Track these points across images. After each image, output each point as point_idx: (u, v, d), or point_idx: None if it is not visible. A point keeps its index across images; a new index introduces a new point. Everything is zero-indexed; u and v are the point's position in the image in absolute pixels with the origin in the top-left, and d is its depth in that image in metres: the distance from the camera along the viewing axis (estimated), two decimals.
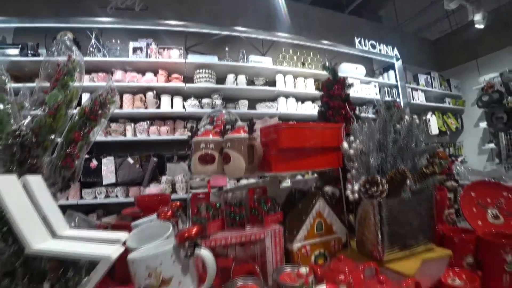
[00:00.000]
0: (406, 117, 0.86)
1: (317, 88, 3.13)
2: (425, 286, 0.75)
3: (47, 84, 0.89)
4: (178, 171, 2.56)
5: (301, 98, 3.10)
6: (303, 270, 0.53)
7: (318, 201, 0.81)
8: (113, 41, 2.88)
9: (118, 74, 2.72)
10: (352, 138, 0.83)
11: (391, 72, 3.67)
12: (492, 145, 3.90)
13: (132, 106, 2.66)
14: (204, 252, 0.50)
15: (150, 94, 2.69)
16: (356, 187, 0.77)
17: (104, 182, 2.50)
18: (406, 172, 0.76)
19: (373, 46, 3.47)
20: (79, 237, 0.58)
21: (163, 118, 2.75)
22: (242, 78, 2.86)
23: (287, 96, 3.00)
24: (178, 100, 2.72)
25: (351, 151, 0.80)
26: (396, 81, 3.64)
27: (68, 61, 0.90)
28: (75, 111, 0.93)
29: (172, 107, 2.70)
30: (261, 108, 2.89)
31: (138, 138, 2.60)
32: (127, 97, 2.67)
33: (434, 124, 4.00)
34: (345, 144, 0.82)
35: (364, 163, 0.80)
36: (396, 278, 0.68)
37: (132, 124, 2.64)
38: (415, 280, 0.65)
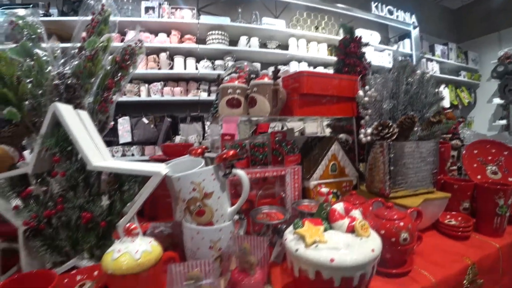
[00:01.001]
0: (418, 71, 0.92)
1: (332, 53, 3.12)
2: (424, 224, 0.85)
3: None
4: (192, 131, 2.65)
5: (313, 63, 3.10)
6: (324, 189, 0.61)
7: (333, 144, 0.89)
8: (125, 0, 2.85)
9: (131, 35, 2.73)
10: (367, 87, 0.89)
11: (407, 41, 3.58)
12: (503, 122, 3.86)
13: (146, 67, 2.70)
14: (240, 172, 0.58)
15: (163, 55, 2.71)
16: (369, 131, 0.85)
17: (120, 141, 2.61)
18: (415, 117, 0.83)
19: (390, 12, 3.37)
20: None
21: (176, 80, 2.79)
22: (255, 41, 2.85)
23: (299, 60, 3.01)
24: (191, 61, 2.75)
25: (366, 99, 0.87)
26: (411, 50, 3.57)
27: (102, 10, 0.95)
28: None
29: (185, 68, 2.73)
30: None
31: (152, 98, 2.67)
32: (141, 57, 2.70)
33: (446, 97, 3.98)
34: (360, 92, 0.88)
35: (377, 110, 0.87)
36: None
37: (146, 85, 2.70)
38: (418, 209, 0.74)
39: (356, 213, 0.59)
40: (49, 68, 0.90)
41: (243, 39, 2.84)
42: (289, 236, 0.55)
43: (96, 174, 0.61)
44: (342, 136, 1.01)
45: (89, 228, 0.57)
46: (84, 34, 0.97)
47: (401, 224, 0.64)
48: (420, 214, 0.74)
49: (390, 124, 0.82)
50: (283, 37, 3.01)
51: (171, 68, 2.71)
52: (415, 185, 0.88)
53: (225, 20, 2.82)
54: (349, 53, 1.20)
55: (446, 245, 0.79)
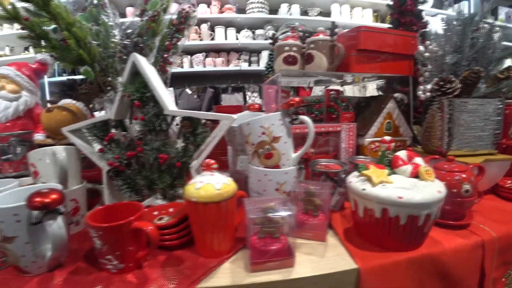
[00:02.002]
0: (485, 25, 0.86)
1: (377, 19, 2.94)
2: (483, 186, 0.83)
3: None
4: (233, 101, 2.72)
5: None
6: (387, 137, 0.63)
7: (389, 102, 0.88)
8: None
9: (172, 7, 2.77)
10: (428, 42, 0.86)
11: (464, 3, 3.24)
12: None
13: (188, 38, 2.75)
14: (306, 118, 0.61)
15: (204, 26, 2.74)
16: (428, 87, 0.83)
17: None
18: (481, 72, 0.79)
19: None
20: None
21: (217, 50, 2.83)
22: (296, 8, 2.77)
23: (343, 28, 2.87)
24: (231, 31, 2.75)
25: (427, 54, 0.84)
26: (469, 12, 3.23)
27: None
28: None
29: (226, 38, 2.75)
30: None
31: (195, 69, 2.74)
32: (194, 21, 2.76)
33: None
34: (421, 47, 0.85)
35: (439, 66, 0.84)
36: None
37: (189, 57, 2.77)
38: (479, 164, 0.73)
39: (419, 160, 0.60)
40: (114, 31, 0.97)
41: (283, 7, 2.77)
42: (353, 179, 0.58)
43: (171, 118, 0.67)
44: (397, 95, 1.00)
45: (164, 169, 0.64)
46: None
47: (463, 175, 0.64)
48: (482, 169, 0.73)
49: (453, 79, 0.79)
50: (325, 3, 2.88)
51: (212, 39, 2.74)
52: (475, 145, 0.85)
53: None
54: (404, 11, 1.14)
55: (507, 206, 0.77)
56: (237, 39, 2.74)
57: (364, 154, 0.89)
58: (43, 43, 0.86)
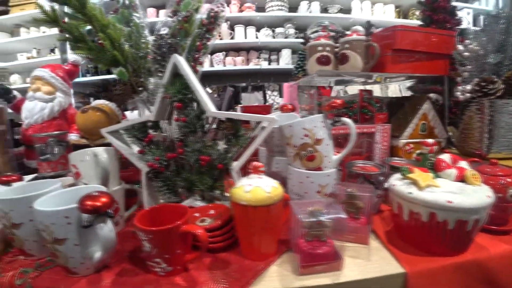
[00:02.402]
0: None
1: (399, 15, 2.88)
2: None
3: None
4: (253, 100, 2.72)
5: (379, 27, 2.89)
6: (429, 140, 0.62)
7: (425, 103, 0.87)
8: None
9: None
10: (467, 41, 0.83)
11: None
12: None
13: (216, 38, 2.78)
14: (348, 120, 0.61)
15: (224, 25, 2.75)
16: (468, 87, 0.80)
17: None
18: None
19: None
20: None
21: (237, 49, 2.84)
22: (316, 6, 2.74)
23: (363, 25, 2.82)
24: (251, 30, 2.75)
25: (466, 54, 0.82)
26: (497, 6, 3.11)
27: None
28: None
29: (245, 37, 2.75)
30: None
31: (215, 68, 2.76)
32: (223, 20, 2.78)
33: None
34: (460, 47, 0.83)
35: (479, 65, 0.81)
36: None
37: (209, 56, 2.79)
38: None
39: (463, 163, 0.59)
40: (145, 32, 0.99)
41: (303, 5, 2.75)
42: (397, 182, 0.57)
43: (212, 120, 0.67)
44: (432, 95, 0.97)
45: (204, 171, 0.64)
46: None
47: (508, 180, 0.62)
48: None
49: (495, 79, 0.76)
50: (345, 0, 2.84)
51: (232, 38, 2.75)
52: None
53: None
54: (437, 8, 1.11)
55: None
56: (256, 37, 2.74)
57: (398, 155, 0.87)
58: (80, 45, 0.89)
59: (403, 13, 2.98)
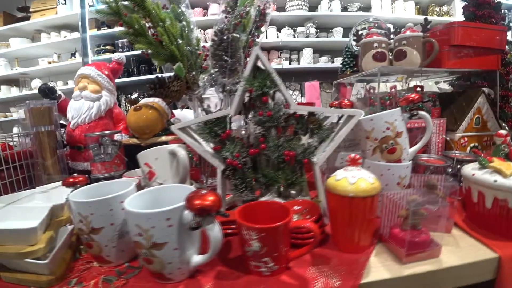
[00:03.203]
0: None
1: (419, 12, 2.88)
2: None
3: None
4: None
5: (399, 24, 2.89)
6: (502, 131, 0.64)
7: (480, 97, 0.88)
8: None
9: (213, 8, 2.83)
10: None
11: None
12: None
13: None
14: (425, 114, 0.63)
15: None
16: None
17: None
18: None
19: None
20: None
21: None
22: (336, 4, 2.76)
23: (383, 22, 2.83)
24: (272, 30, 2.78)
25: None
26: None
27: None
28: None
29: (266, 37, 2.78)
30: None
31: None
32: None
33: None
34: None
35: None
36: None
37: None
38: None
39: None
40: (195, 29, 1.00)
41: (324, 4, 2.77)
42: (476, 171, 0.59)
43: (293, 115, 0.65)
44: (485, 89, 0.99)
45: (281, 167, 0.64)
46: None
47: None
48: None
49: None
50: None
51: None
52: None
53: None
54: (481, 4, 1.12)
55: None
56: (277, 37, 2.77)
57: (452, 149, 0.89)
58: (140, 38, 0.89)
59: (422, 9, 2.98)
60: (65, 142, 1.11)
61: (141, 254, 0.44)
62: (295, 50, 2.87)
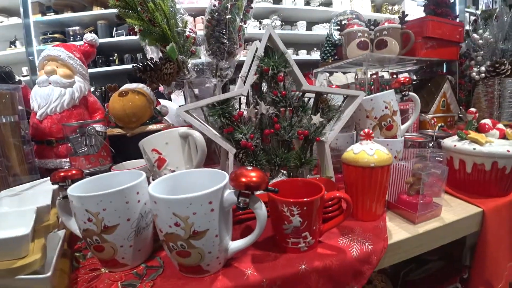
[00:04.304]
0: None
1: (375, 9, 3.10)
2: None
3: None
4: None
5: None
6: (472, 109, 0.75)
7: (445, 83, 1.02)
8: None
9: None
10: (480, 31, 0.99)
11: None
12: None
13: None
14: (414, 94, 0.72)
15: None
16: (483, 68, 0.96)
17: None
18: None
19: None
20: None
21: None
22: None
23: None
24: None
25: (480, 41, 0.98)
26: (454, 4, 3.47)
27: None
28: None
29: None
30: (318, 30, 2.94)
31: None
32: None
33: None
34: (475, 35, 0.99)
35: (490, 51, 0.98)
36: None
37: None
38: None
39: (500, 125, 0.73)
40: (180, 9, 0.95)
41: None
42: (456, 143, 0.69)
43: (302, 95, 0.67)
44: (448, 76, 1.13)
45: (292, 146, 0.66)
46: None
47: None
48: None
49: (505, 62, 0.93)
50: None
51: None
52: None
53: None
54: (440, 3, 1.27)
55: None
56: None
57: (425, 128, 1.02)
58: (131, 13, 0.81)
59: (376, 7, 3.22)
60: (28, 136, 0.91)
61: (174, 248, 0.38)
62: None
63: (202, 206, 0.36)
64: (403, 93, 0.72)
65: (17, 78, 0.98)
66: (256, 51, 0.66)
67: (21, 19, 2.57)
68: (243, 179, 0.38)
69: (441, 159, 0.69)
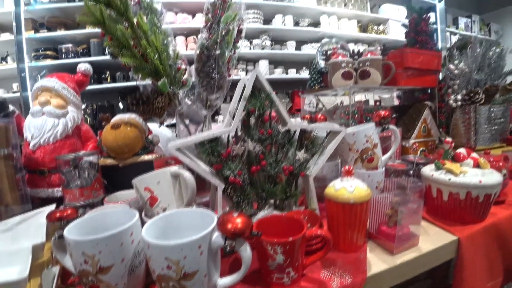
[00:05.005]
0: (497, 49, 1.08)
1: (361, 29, 3.21)
2: None
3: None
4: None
5: (344, 40, 3.17)
6: (448, 138, 0.80)
7: (425, 109, 1.07)
8: None
9: (169, 16, 2.81)
10: (456, 61, 1.06)
11: (431, 15, 3.62)
12: None
13: (186, 48, 2.80)
14: (394, 127, 0.76)
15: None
16: (459, 97, 1.02)
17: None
18: (498, 86, 1.01)
19: None
20: None
21: None
22: (289, 19, 2.95)
23: (331, 37, 3.09)
24: None
25: (456, 71, 1.04)
26: (436, 24, 3.66)
27: None
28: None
29: None
30: (307, 50, 3.03)
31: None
32: (180, 40, 2.79)
33: None
34: (451, 66, 1.05)
35: (465, 80, 1.04)
36: None
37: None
38: (505, 155, 0.93)
39: (474, 154, 0.78)
40: (173, 42, 0.98)
41: (278, 18, 2.94)
42: (433, 172, 0.74)
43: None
44: (427, 102, 1.19)
45: (278, 181, 0.68)
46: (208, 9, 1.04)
47: (501, 164, 0.83)
48: (506, 158, 0.93)
49: (479, 91, 0.99)
50: (314, 14, 3.09)
51: None
52: (492, 141, 1.07)
53: None
54: (420, 31, 1.34)
55: None
56: None
57: (408, 153, 1.06)
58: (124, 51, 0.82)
59: (363, 27, 3.35)
60: (20, 165, 0.92)
61: None
62: (251, 61, 2.99)
63: (192, 250, 0.39)
64: (383, 126, 0.77)
65: (11, 108, 1.00)
66: (244, 89, 0.69)
67: (14, 35, 2.58)
68: (229, 226, 0.41)
69: (420, 187, 0.72)
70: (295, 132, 0.71)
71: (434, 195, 0.74)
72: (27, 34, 2.61)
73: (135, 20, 0.82)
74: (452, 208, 0.72)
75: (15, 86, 2.87)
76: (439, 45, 3.64)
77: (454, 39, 3.85)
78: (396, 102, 1.48)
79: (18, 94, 2.68)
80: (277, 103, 0.68)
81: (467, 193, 0.68)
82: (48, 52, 2.73)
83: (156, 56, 0.87)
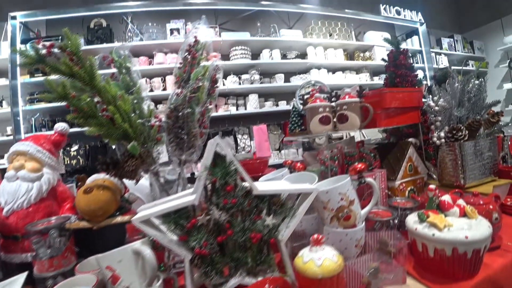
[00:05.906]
0: (476, 81, 1.07)
1: (348, 57, 3.27)
2: None
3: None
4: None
5: (332, 69, 3.26)
6: (432, 186, 0.76)
7: (410, 148, 1.04)
8: (149, 24, 2.99)
9: (159, 57, 2.88)
10: (436, 98, 1.04)
11: (415, 38, 3.73)
12: None
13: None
14: (371, 180, 0.73)
15: None
16: (442, 134, 1.00)
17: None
18: (481, 121, 0.98)
19: (398, 12, 3.53)
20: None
21: None
22: (276, 53, 3.01)
23: (318, 67, 3.16)
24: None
25: (436, 108, 1.02)
26: (420, 46, 3.73)
27: (195, 42, 1.01)
28: None
29: None
30: (296, 81, 3.07)
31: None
32: (170, 79, 2.84)
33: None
34: (431, 103, 1.03)
35: (447, 116, 1.02)
36: None
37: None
38: (496, 194, 0.88)
39: (461, 201, 0.73)
40: (146, 98, 0.99)
41: (265, 52, 3.00)
42: (417, 225, 0.69)
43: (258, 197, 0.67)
44: (411, 139, 1.16)
45: (249, 246, 0.65)
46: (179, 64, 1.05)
47: (491, 206, 0.79)
48: (498, 197, 0.89)
49: (462, 127, 0.96)
50: (301, 46, 3.16)
51: None
52: (482, 175, 1.03)
53: (245, 35, 2.97)
54: (399, 65, 1.34)
55: None
56: (224, 84, 2.88)
57: (395, 194, 1.02)
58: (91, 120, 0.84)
59: (349, 55, 3.41)
60: None
61: None
62: (241, 95, 3.01)
63: None
64: (359, 180, 0.73)
65: None
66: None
67: (9, 80, 2.63)
68: None
69: (403, 244, 0.68)
70: (263, 198, 0.67)
71: (420, 249, 0.70)
72: (22, 79, 2.65)
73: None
74: (439, 264, 0.66)
75: (9, 129, 2.89)
76: (425, 66, 3.69)
77: (440, 59, 3.91)
78: (382, 135, 1.46)
79: (11, 137, 2.69)
80: (240, 170, 0.66)
81: (453, 249, 0.63)
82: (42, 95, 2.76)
83: (124, 120, 0.86)
